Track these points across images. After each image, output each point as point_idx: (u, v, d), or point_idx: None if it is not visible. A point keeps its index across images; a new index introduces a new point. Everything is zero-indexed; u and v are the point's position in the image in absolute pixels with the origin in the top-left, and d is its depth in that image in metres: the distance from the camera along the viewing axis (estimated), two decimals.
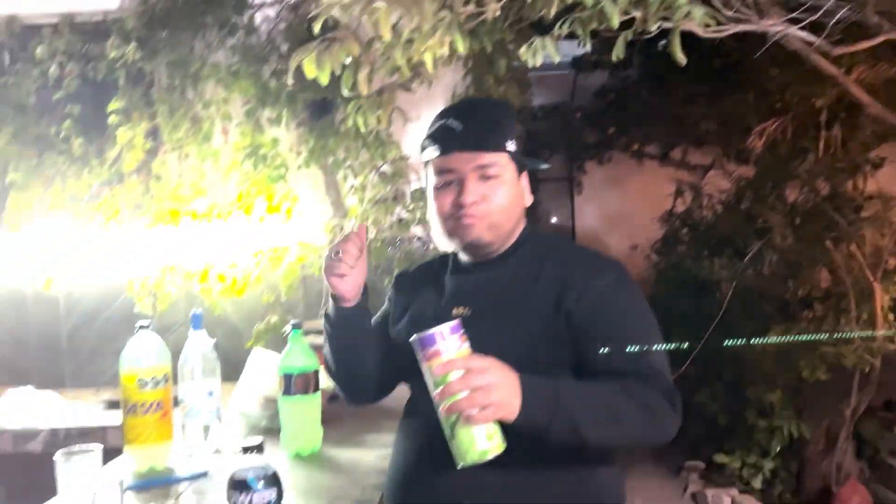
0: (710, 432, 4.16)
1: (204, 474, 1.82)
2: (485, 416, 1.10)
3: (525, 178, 1.43)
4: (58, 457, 1.54)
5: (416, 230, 2.92)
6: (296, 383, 1.94)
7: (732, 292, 4.09)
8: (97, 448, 1.56)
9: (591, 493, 1.32)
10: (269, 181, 2.87)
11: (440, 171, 1.38)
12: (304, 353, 1.97)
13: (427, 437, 1.33)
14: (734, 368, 4.16)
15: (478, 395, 1.10)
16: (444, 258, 1.55)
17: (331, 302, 1.46)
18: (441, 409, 1.12)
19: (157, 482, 1.76)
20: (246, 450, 1.15)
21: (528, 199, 1.44)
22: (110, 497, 1.49)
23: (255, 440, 1.17)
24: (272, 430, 2.16)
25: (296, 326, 2.01)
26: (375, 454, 1.95)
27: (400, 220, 2.90)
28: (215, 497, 1.71)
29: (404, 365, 1.44)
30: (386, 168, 2.89)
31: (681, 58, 1.84)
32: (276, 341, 2.73)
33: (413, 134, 2.94)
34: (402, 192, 2.93)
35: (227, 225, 2.95)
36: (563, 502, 1.29)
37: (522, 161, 1.42)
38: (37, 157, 2.97)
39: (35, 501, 2.78)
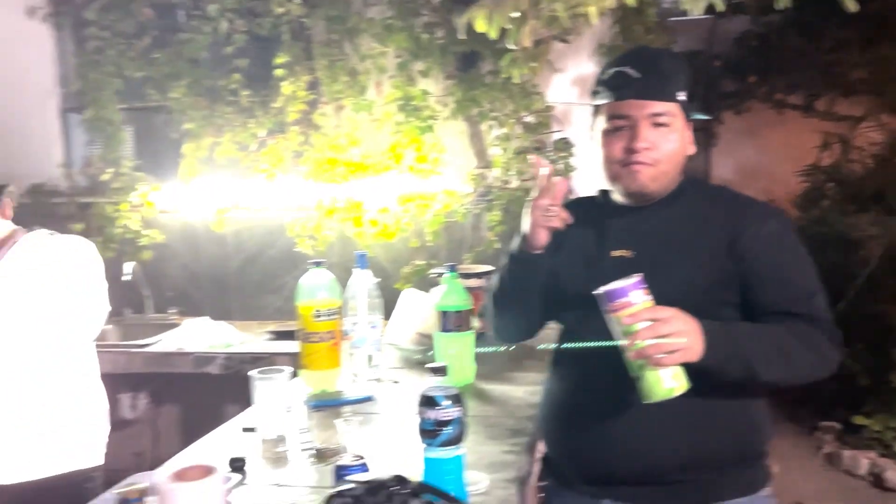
0: (848, 393, 4.04)
1: (369, 398, 2.01)
2: (671, 360, 1.22)
3: (690, 127, 1.47)
4: (254, 374, 1.76)
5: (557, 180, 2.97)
6: (452, 320, 2.08)
7: (879, 250, 3.91)
8: (287, 370, 1.77)
9: (748, 424, 1.42)
10: (418, 132, 3.01)
11: (613, 117, 1.42)
12: (459, 293, 2.11)
13: (586, 369, 1.42)
14: (879, 329, 4.00)
15: (665, 342, 1.21)
16: (591, 198, 1.59)
17: (518, 243, 1.53)
18: (629, 354, 1.24)
19: (331, 402, 1.97)
20: (435, 370, 1.28)
21: (691, 149, 1.48)
22: (298, 411, 1.68)
23: (441, 363, 1.30)
24: (424, 362, 2.32)
25: (452, 268, 2.15)
26: (524, 390, 2.07)
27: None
28: (379, 418, 1.89)
29: (556, 298, 1.53)
30: (530, 118, 2.95)
31: (852, 4, 1.79)
32: (421, 283, 2.89)
33: (557, 84, 2.99)
34: (545, 142, 2.98)
35: (379, 173, 3.12)
36: (723, 431, 1.38)
37: (690, 111, 1.46)
38: (208, 108, 3.22)
39: (209, 417, 3.11)
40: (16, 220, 1.91)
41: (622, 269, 1.31)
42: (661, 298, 1.27)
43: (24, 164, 3.44)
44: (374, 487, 0.98)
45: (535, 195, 1.45)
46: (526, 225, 1.47)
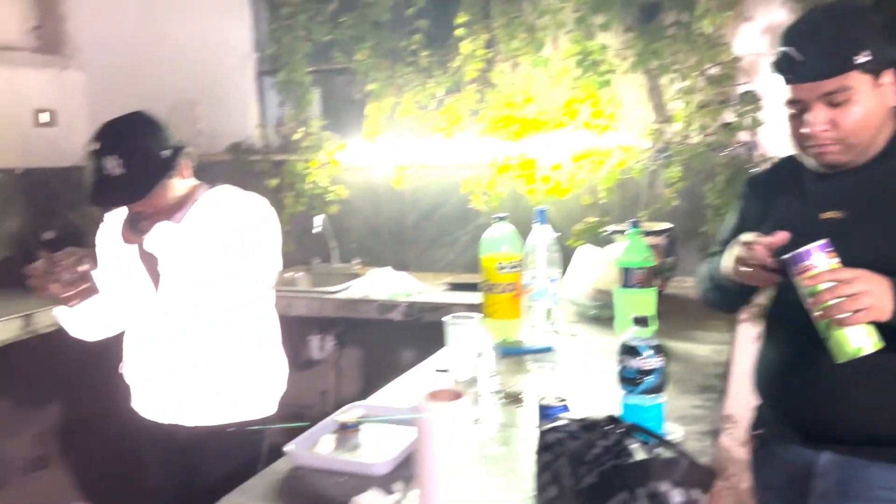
0: None
1: (549, 348, 2.07)
2: (855, 319, 1.21)
3: (889, 75, 1.37)
4: (448, 319, 1.87)
5: (743, 135, 2.84)
6: (634, 276, 2.09)
7: None
8: (477, 316, 1.86)
9: None
10: (595, 86, 2.97)
11: (788, 100, 1.40)
12: (641, 250, 2.11)
13: (804, 329, 1.40)
14: None
15: (847, 302, 1.21)
16: (792, 158, 1.54)
17: (722, 268, 1.50)
18: (814, 316, 1.25)
19: (517, 350, 2.05)
20: (637, 321, 1.32)
21: (894, 99, 1.39)
22: (487, 356, 1.77)
23: (643, 315, 1.33)
24: (599, 318, 2.35)
25: (634, 224, 2.15)
26: (709, 348, 2.06)
27: (726, 125, 2.84)
28: (560, 367, 1.95)
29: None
30: (714, 70, 2.83)
31: None
32: (593, 240, 2.89)
33: (744, 34, 2.83)
34: (730, 95, 2.85)
35: (553, 129, 3.12)
36: None
37: (879, 66, 1.34)
38: (389, 69, 3.35)
39: (387, 360, 3.31)
40: (217, 177, 1.95)
41: (834, 232, 1.29)
42: (879, 259, 1.25)
43: (224, 124, 3.77)
44: (589, 425, 1.04)
45: (746, 250, 1.40)
46: (729, 263, 1.44)
